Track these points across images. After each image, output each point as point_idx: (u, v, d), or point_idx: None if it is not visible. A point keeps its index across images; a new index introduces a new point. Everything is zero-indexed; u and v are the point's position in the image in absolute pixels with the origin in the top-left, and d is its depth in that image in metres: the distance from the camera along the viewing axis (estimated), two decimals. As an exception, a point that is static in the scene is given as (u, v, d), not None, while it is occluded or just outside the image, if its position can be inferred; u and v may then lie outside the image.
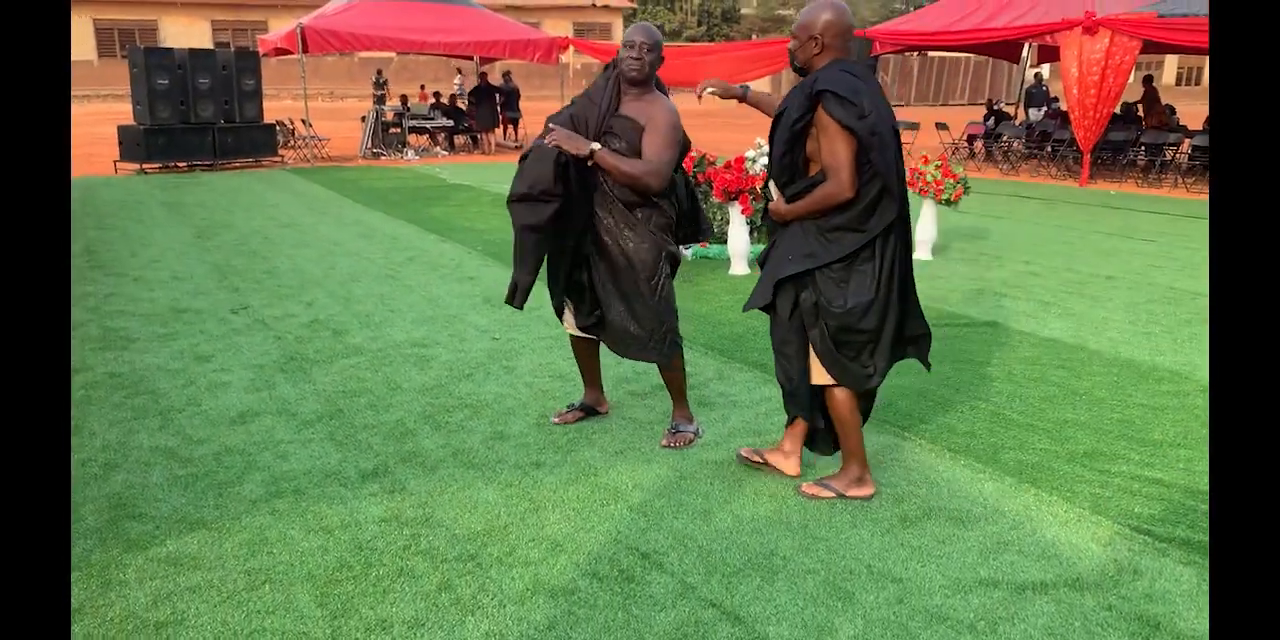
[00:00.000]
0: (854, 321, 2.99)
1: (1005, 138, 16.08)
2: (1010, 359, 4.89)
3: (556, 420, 3.94)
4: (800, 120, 2.95)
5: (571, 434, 3.85)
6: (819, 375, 3.14)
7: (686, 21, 50.82)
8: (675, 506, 3.20)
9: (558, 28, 40.85)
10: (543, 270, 3.61)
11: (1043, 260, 7.59)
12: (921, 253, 7.54)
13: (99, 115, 26.32)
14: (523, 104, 19.34)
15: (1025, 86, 18.71)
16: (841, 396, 3.16)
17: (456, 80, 24.92)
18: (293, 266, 7.18)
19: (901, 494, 3.30)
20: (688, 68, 17.48)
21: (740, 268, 6.96)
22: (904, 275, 3.07)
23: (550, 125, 3.46)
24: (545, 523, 3.08)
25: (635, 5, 48.83)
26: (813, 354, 3.12)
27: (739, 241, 6.93)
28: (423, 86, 23.38)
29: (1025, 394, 4.35)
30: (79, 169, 14.05)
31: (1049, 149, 15.13)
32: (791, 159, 3.03)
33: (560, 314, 3.80)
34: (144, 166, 13.67)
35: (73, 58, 35.39)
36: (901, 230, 3.04)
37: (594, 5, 44.63)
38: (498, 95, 18.18)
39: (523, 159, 3.49)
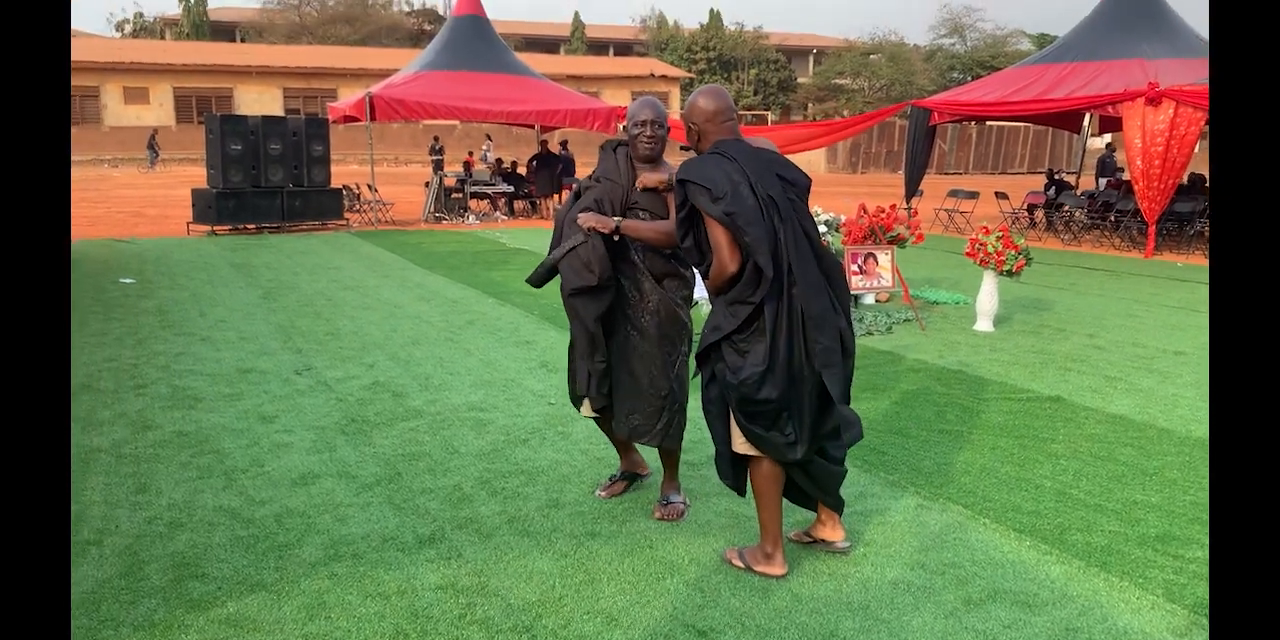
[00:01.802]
0: (751, 392, 3.00)
1: (1067, 208, 15.96)
2: (1076, 436, 4.77)
3: (603, 494, 3.89)
4: (681, 209, 3.09)
5: (626, 503, 3.83)
6: (739, 444, 3.15)
7: (743, 90, 51.67)
8: (733, 583, 3.15)
9: (617, 97, 41.81)
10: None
11: (1108, 333, 7.46)
12: (983, 324, 7.46)
13: (175, 178, 27.36)
14: (582, 169, 19.72)
15: (1098, 156, 18.65)
16: (763, 468, 3.15)
17: (485, 146, 25.73)
18: (355, 328, 7.32)
19: (966, 575, 3.22)
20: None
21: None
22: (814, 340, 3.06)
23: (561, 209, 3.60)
24: (600, 595, 3.05)
25: (692, 75, 49.85)
26: (734, 424, 3.14)
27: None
28: (470, 153, 24.38)
29: (1092, 472, 4.24)
30: (155, 230, 14.58)
31: (1112, 219, 14.97)
32: (693, 242, 3.16)
33: (578, 401, 3.76)
34: (215, 228, 14.14)
35: (150, 123, 37.05)
36: (805, 296, 2.99)
37: (652, 75, 45.69)
38: (557, 163, 18.58)
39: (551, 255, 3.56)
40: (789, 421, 3.04)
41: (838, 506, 3.34)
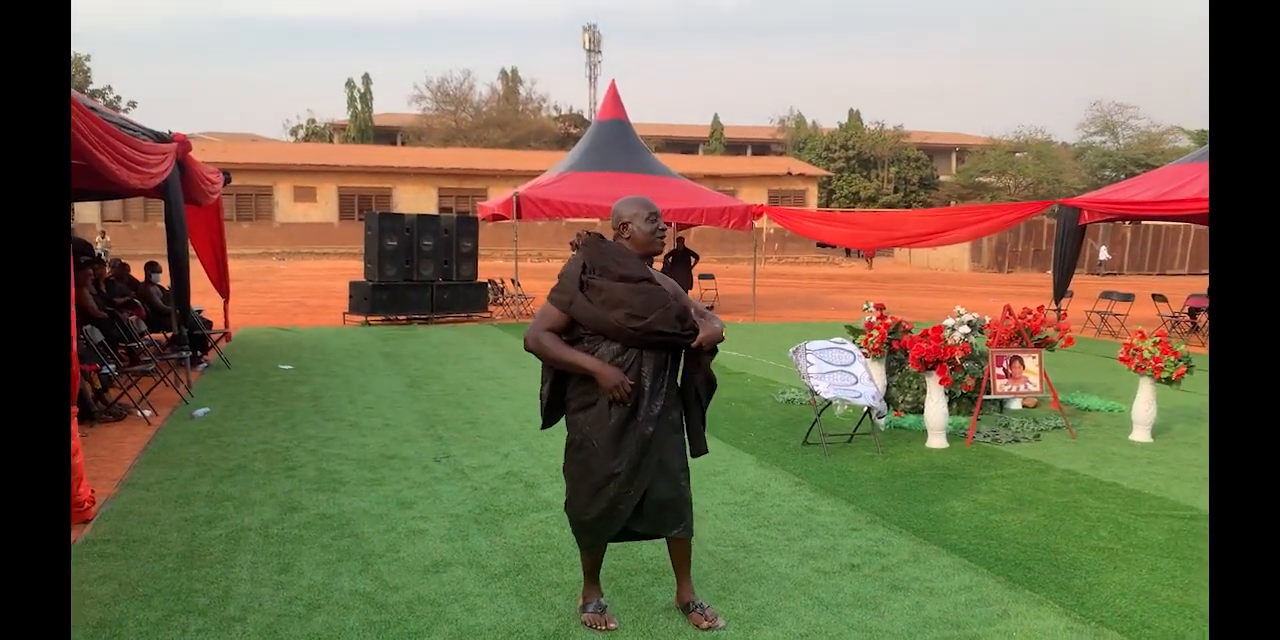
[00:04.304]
0: None
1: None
2: (1247, 559, 4.39)
3: (614, 625, 3.55)
4: None
5: (755, 610, 3.72)
6: None
7: (882, 187, 51.65)
8: (865, 700, 2.99)
9: (754, 195, 42.46)
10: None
11: (1280, 447, 6.90)
12: (1140, 434, 7.04)
13: (335, 271, 29.09)
14: (717, 266, 19.96)
15: None
16: None
17: None
18: (493, 418, 7.50)
19: (1123, 709, 2.96)
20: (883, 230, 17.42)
21: (938, 440, 6.69)
22: None
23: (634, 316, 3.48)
24: (726, 705, 2.95)
25: (830, 173, 50.21)
26: None
27: (936, 413, 6.70)
28: None
29: (1268, 601, 3.88)
30: (314, 319, 15.46)
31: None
32: None
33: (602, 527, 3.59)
34: (369, 319, 14.90)
35: (316, 219, 39.71)
36: None
37: (789, 173, 46.27)
38: (692, 258, 18.86)
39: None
40: None
41: None
